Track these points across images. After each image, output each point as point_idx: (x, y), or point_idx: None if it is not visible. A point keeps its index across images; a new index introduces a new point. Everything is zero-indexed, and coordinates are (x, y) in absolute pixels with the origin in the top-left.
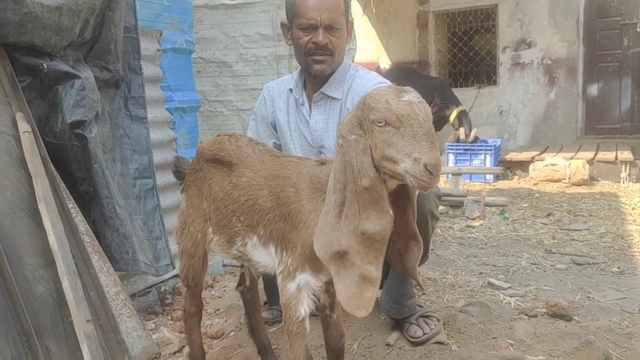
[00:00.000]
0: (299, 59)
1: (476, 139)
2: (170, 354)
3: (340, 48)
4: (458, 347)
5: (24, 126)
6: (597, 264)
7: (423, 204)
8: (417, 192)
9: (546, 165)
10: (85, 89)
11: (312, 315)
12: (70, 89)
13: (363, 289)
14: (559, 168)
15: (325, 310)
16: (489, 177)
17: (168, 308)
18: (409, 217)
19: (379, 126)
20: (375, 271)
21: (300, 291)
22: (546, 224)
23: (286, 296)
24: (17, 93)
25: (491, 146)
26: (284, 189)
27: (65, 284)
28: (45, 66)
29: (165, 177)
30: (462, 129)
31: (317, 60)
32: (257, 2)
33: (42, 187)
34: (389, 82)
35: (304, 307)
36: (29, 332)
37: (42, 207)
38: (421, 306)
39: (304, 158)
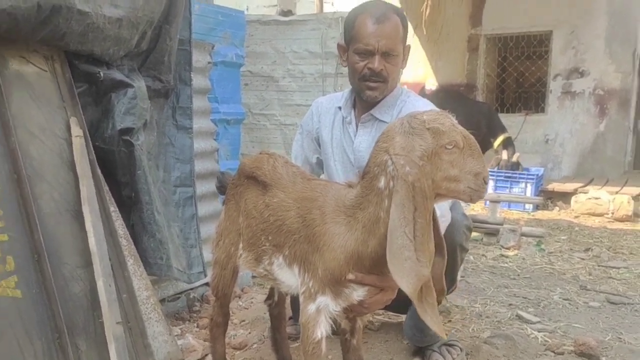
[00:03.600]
0: (352, 82)
1: (519, 165)
2: None
3: (395, 75)
4: None
5: (76, 130)
6: (632, 304)
7: (453, 236)
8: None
9: (589, 199)
10: (136, 98)
11: (334, 334)
12: (123, 97)
13: (437, 310)
14: (602, 202)
15: (346, 335)
16: (529, 206)
17: (195, 315)
18: (435, 228)
19: (449, 149)
20: (444, 292)
21: (319, 313)
22: (583, 259)
23: (305, 317)
24: (73, 98)
25: (533, 175)
26: (310, 211)
27: (100, 285)
28: (102, 74)
29: (204, 187)
30: (505, 151)
31: (370, 86)
32: (309, 20)
33: (87, 189)
34: (438, 109)
35: (321, 330)
36: (61, 329)
37: (85, 209)
38: (446, 334)
39: (333, 182)
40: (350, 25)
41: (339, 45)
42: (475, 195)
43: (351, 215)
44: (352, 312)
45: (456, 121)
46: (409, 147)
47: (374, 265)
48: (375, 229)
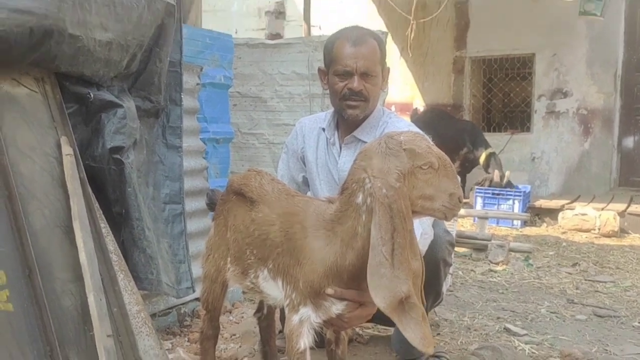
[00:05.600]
0: (334, 103)
1: (510, 183)
2: None
3: (375, 95)
4: None
5: (67, 149)
6: (618, 317)
7: (436, 252)
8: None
9: (576, 215)
10: (126, 118)
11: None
12: (113, 116)
13: (425, 327)
14: (589, 218)
15: (331, 346)
16: (517, 222)
17: (186, 330)
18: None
19: (424, 169)
20: (423, 306)
21: (302, 324)
22: (571, 274)
23: (289, 328)
24: (63, 119)
25: (520, 192)
26: (292, 225)
27: (91, 299)
28: (92, 95)
29: (194, 204)
30: (496, 172)
31: (350, 105)
32: (295, 44)
33: (77, 206)
34: (419, 130)
35: (304, 340)
36: (52, 343)
37: (76, 225)
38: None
39: (314, 198)
40: (329, 49)
41: (319, 70)
42: (449, 213)
43: (330, 229)
44: (332, 325)
45: (432, 143)
46: (385, 168)
47: (352, 279)
48: (353, 242)
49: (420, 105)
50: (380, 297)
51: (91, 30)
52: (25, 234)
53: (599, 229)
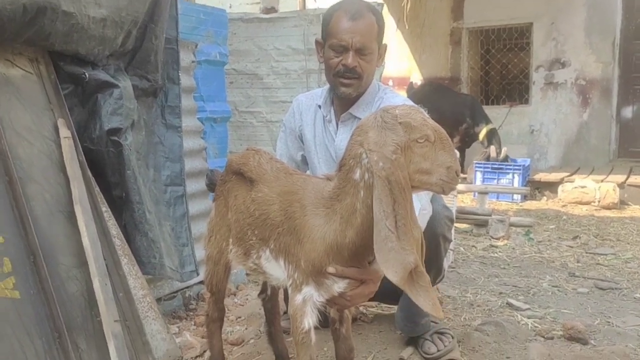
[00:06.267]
0: (328, 78)
1: (507, 158)
2: (192, 357)
3: (370, 72)
4: None
5: (64, 132)
6: (620, 289)
7: (435, 227)
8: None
9: (575, 187)
10: (122, 98)
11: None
12: (109, 97)
13: (432, 293)
14: (589, 190)
15: (335, 324)
16: (517, 196)
17: (192, 313)
18: None
19: (420, 142)
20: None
21: (305, 304)
22: (572, 247)
23: (293, 308)
24: (59, 100)
25: (520, 165)
26: (291, 204)
27: (96, 284)
28: (87, 75)
29: (194, 185)
30: (492, 147)
31: (344, 83)
32: (291, 17)
33: (78, 190)
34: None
35: (308, 320)
36: (60, 329)
37: (77, 210)
38: (436, 322)
39: (312, 175)
40: (327, 21)
41: (316, 41)
42: (447, 187)
43: (329, 207)
44: (335, 304)
45: (428, 116)
46: (381, 142)
47: (353, 256)
48: (352, 219)
49: (417, 79)
50: (392, 271)
51: (85, 6)
52: (28, 219)
53: (599, 201)
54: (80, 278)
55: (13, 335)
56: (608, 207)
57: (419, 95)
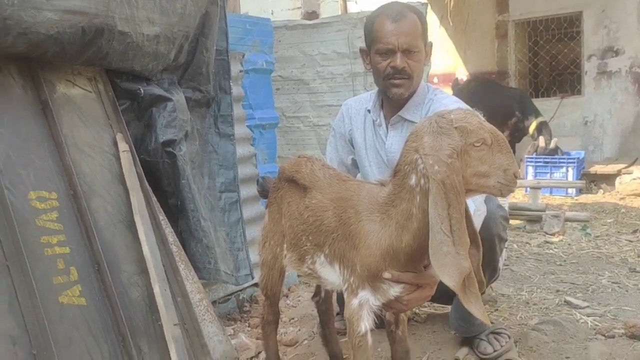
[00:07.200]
0: (378, 83)
1: (557, 150)
2: (247, 359)
3: (419, 71)
4: None
5: (123, 146)
6: None
7: (490, 228)
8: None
9: (634, 179)
10: (176, 111)
11: (380, 327)
12: (163, 110)
13: (481, 301)
14: None
15: (391, 327)
16: (571, 190)
17: (246, 315)
18: (468, 222)
19: (477, 146)
20: (483, 283)
21: (361, 308)
22: (631, 241)
23: (349, 311)
24: (117, 115)
25: (574, 158)
26: (345, 210)
27: (157, 290)
28: (142, 90)
29: (245, 191)
30: (542, 137)
31: (395, 84)
32: (334, 22)
33: (137, 201)
34: (467, 107)
35: (365, 323)
36: (124, 333)
37: (137, 220)
38: (492, 322)
39: (366, 181)
40: (369, 28)
41: (361, 50)
42: (505, 189)
43: (384, 212)
44: (391, 308)
45: (483, 118)
46: (437, 146)
47: (409, 261)
48: (408, 224)
49: (463, 74)
50: (448, 276)
51: (139, 25)
52: (92, 230)
53: None
54: (141, 284)
55: (81, 339)
56: None
57: (464, 91)
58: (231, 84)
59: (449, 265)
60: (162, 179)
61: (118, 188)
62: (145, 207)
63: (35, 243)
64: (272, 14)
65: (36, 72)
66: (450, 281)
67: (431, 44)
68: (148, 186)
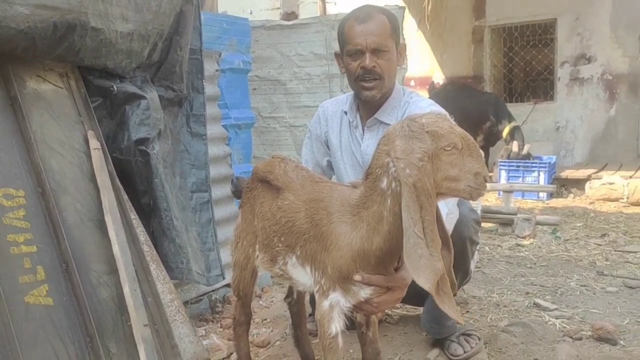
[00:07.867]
0: (351, 86)
1: (529, 155)
2: (218, 359)
3: (390, 71)
4: None
5: (94, 143)
6: None
7: (462, 231)
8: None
9: (603, 184)
10: (149, 109)
11: (351, 328)
12: (137, 108)
13: (454, 301)
14: (617, 187)
15: (362, 328)
16: (543, 194)
17: (218, 316)
18: (439, 224)
19: (448, 150)
20: (454, 285)
21: (332, 309)
22: (600, 245)
23: (320, 313)
24: (89, 113)
25: (545, 163)
26: (317, 211)
27: (126, 290)
28: (115, 88)
29: (219, 191)
30: (515, 142)
31: (365, 86)
32: (312, 23)
33: (108, 199)
34: (442, 110)
35: (335, 325)
36: (92, 334)
37: (107, 219)
38: (463, 324)
39: (338, 183)
40: (341, 32)
41: (335, 54)
42: (475, 193)
43: (356, 214)
44: (362, 310)
45: (455, 123)
46: (408, 150)
47: (380, 263)
48: (379, 226)
49: (439, 78)
50: (423, 278)
51: (112, 22)
52: (60, 229)
53: (628, 198)
54: (110, 284)
55: (47, 340)
56: (637, 204)
57: (441, 95)
58: (205, 83)
59: (424, 267)
60: (135, 177)
61: (88, 186)
62: (116, 205)
63: (1, 241)
64: (250, 13)
65: (6, 66)
66: (426, 283)
67: (404, 45)
68: (120, 184)
